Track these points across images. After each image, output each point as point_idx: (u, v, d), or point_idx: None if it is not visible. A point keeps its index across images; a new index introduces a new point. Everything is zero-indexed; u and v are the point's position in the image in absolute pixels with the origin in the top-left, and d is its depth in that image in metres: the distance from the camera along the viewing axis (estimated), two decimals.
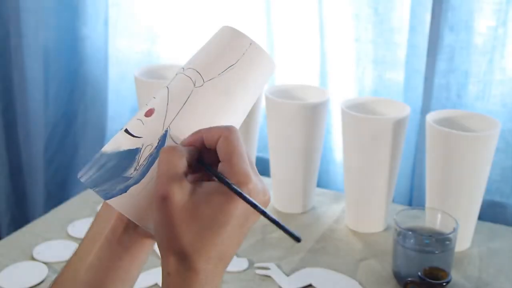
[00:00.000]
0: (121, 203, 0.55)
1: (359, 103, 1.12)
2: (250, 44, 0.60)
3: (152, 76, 1.22)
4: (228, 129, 0.53)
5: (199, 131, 0.54)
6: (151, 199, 0.54)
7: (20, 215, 1.71)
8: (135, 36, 1.50)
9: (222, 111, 0.58)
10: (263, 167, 1.34)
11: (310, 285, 0.97)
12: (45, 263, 1.01)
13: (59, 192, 1.67)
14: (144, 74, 1.21)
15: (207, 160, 0.54)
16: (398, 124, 1.04)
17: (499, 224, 1.16)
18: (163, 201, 0.50)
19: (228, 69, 0.59)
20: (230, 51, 0.60)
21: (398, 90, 1.27)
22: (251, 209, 0.51)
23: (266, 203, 0.54)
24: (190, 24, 1.43)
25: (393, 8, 1.22)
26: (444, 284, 0.87)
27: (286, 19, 1.33)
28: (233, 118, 0.60)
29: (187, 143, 0.54)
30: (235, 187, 0.50)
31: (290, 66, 1.36)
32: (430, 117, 1.05)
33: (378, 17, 1.23)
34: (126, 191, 0.55)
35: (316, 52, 1.32)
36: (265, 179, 1.29)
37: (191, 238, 0.50)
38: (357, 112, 1.07)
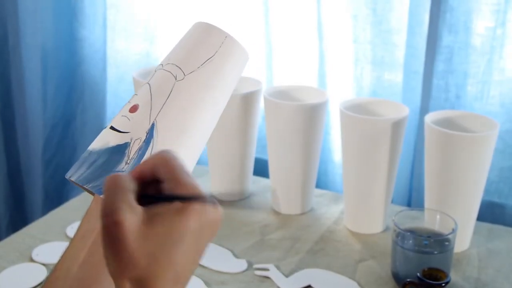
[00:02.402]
0: None
1: (357, 104, 1.12)
2: (226, 37, 0.63)
3: None
4: (161, 152, 0.50)
5: (135, 169, 0.50)
6: None
7: (18, 217, 1.71)
8: (133, 37, 1.50)
9: (203, 102, 0.61)
10: (262, 168, 1.34)
11: (309, 286, 0.97)
12: (43, 264, 1.01)
13: (58, 193, 1.67)
14: (142, 75, 1.21)
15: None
16: (397, 125, 1.04)
17: (498, 224, 1.16)
18: (114, 227, 0.45)
19: (207, 61, 0.62)
20: (208, 44, 0.63)
21: (397, 91, 1.27)
22: (205, 223, 0.48)
23: (218, 218, 0.50)
24: (188, 25, 1.42)
25: (392, 9, 1.22)
26: (443, 285, 0.87)
27: (284, 20, 1.33)
28: (215, 108, 0.62)
29: (128, 180, 0.50)
30: (189, 193, 0.48)
31: (289, 67, 1.36)
32: (428, 118, 1.05)
33: (377, 18, 1.24)
34: None
35: (314, 53, 1.32)
36: (264, 180, 1.30)
37: (146, 262, 0.47)
38: (356, 113, 1.07)
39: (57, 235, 1.10)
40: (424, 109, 1.22)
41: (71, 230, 1.10)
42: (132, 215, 0.46)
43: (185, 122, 0.59)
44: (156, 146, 0.58)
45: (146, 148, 0.57)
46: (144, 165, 0.50)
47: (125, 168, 0.57)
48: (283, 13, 1.32)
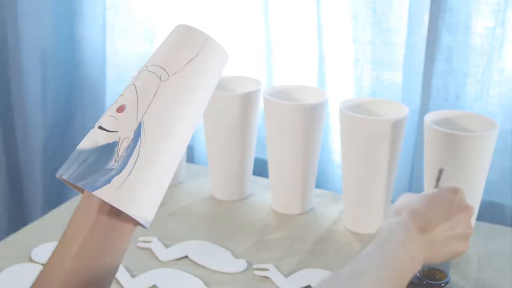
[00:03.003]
0: (107, 193, 0.59)
1: (357, 104, 1.12)
2: (207, 38, 0.67)
3: None
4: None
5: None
6: (133, 187, 0.60)
7: (18, 217, 1.71)
8: (132, 37, 1.50)
9: (187, 101, 0.64)
10: (261, 168, 1.34)
11: (309, 286, 0.97)
12: (43, 265, 1.01)
13: (57, 193, 1.67)
14: None
15: None
16: (397, 125, 1.04)
17: (497, 224, 1.16)
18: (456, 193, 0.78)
19: (190, 62, 0.65)
20: (190, 46, 0.66)
21: (396, 91, 1.27)
22: (456, 204, 0.77)
23: (470, 211, 0.78)
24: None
25: (391, 9, 1.22)
26: (443, 285, 0.87)
27: (284, 20, 1.33)
28: (198, 107, 0.66)
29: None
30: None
31: (288, 67, 1.36)
32: (428, 117, 1.05)
33: (376, 17, 1.23)
34: (110, 182, 0.59)
35: (314, 53, 1.32)
36: (263, 180, 1.30)
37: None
38: (356, 113, 1.07)
39: (56, 235, 1.08)
40: (423, 109, 1.22)
41: None
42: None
43: (170, 121, 0.63)
44: (144, 144, 0.61)
45: (134, 146, 0.60)
46: None
47: (114, 165, 0.60)
48: (282, 13, 1.32)
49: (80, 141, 0.59)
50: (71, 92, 1.61)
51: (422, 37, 1.19)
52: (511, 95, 1.17)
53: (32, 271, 0.99)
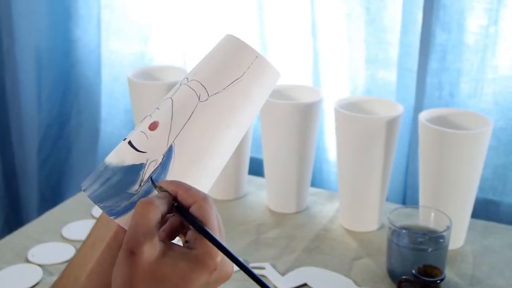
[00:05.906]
0: (125, 222, 0.55)
1: (352, 103, 1.13)
2: (256, 57, 0.60)
3: (145, 77, 1.22)
4: (203, 199, 0.53)
5: (178, 186, 0.54)
6: None
7: (14, 218, 1.71)
8: (127, 37, 1.50)
9: (225, 126, 0.59)
10: (257, 168, 1.34)
11: (305, 284, 0.97)
12: (39, 265, 1.01)
13: (53, 194, 1.67)
14: (137, 75, 1.21)
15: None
16: (391, 123, 1.05)
17: (492, 221, 1.16)
18: (131, 255, 0.50)
19: (233, 83, 0.59)
20: (236, 64, 0.60)
21: (391, 89, 1.27)
22: (213, 281, 0.52)
23: (228, 276, 0.54)
24: (182, 25, 1.43)
25: (385, 7, 1.23)
26: (438, 282, 0.88)
27: (278, 19, 1.33)
28: (237, 132, 0.60)
29: (165, 188, 0.54)
30: (212, 233, 0.51)
31: (283, 66, 1.36)
32: (422, 115, 1.05)
33: (370, 16, 1.24)
34: (131, 209, 0.55)
35: (308, 51, 1.32)
36: (259, 179, 1.30)
37: None
38: (350, 111, 1.07)
39: (53, 236, 1.10)
40: (418, 107, 1.22)
41: (67, 231, 1.11)
42: (149, 250, 0.50)
43: (203, 147, 0.58)
44: (172, 171, 0.57)
45: (161, 172, 0.56)
46: (184, 194, 0.53)
47: (137, 191, 0.56)
48: (277, 12, 1.33)
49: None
50: (66, 92, 1.61)
51: (416, 35, 1.20)
52: (505, 92, 1.17)
53: (28, 272, 1.00)
